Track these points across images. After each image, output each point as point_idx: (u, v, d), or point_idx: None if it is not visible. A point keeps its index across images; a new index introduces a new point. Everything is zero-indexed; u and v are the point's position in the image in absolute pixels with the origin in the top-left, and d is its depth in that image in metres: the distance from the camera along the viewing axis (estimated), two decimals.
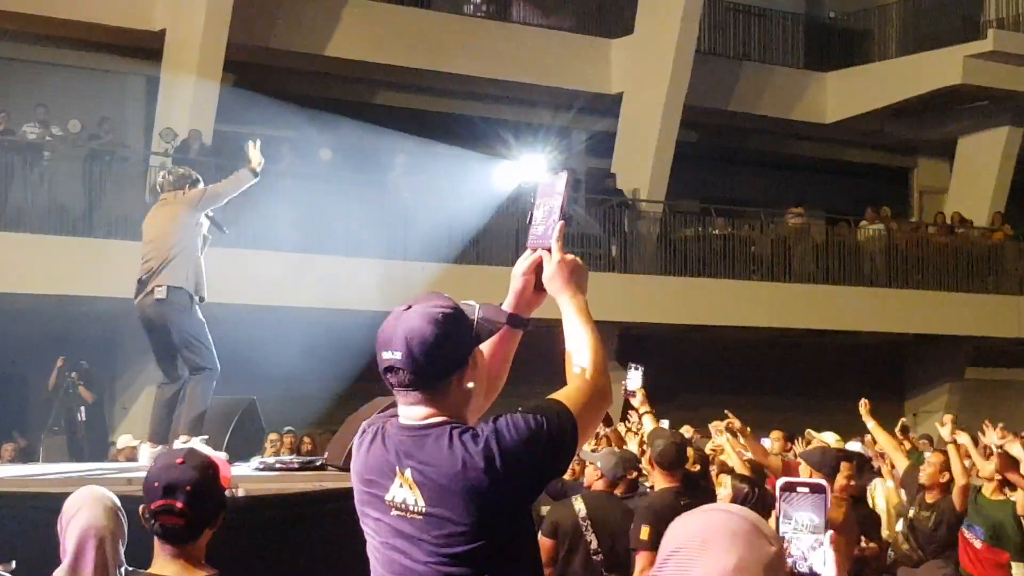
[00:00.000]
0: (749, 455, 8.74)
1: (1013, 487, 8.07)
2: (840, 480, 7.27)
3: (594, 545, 6.91)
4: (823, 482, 2.63)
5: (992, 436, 8.06)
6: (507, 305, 3.10)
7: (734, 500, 6.72)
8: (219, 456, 7.15)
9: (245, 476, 6.60)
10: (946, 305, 21.31)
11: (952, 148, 24.28)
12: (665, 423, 8.70)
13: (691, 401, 17.03)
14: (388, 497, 2.86)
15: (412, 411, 2.89)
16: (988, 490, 8.21)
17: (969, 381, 22.59)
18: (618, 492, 7.40)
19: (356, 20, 19.04)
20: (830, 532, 2.58)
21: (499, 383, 3.15)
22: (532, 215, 3.12)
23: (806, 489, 2.62)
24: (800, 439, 11.80)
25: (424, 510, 2.80)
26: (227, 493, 3.66)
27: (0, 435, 14.65)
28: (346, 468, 3.11)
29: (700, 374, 20.20)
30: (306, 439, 14.38)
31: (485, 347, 3.01)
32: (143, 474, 3.61)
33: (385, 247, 16.80)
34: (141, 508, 3.50)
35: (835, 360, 22.14)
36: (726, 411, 9.09)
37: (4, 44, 17.69)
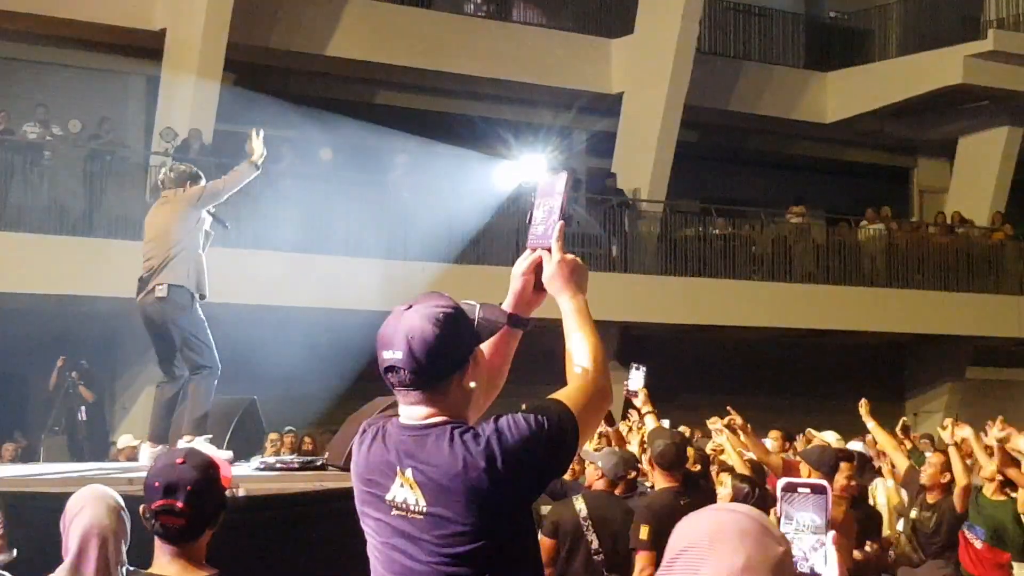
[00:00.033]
0: (750, 454, 8.74)
1: (1014, 487, 8.07)
2: (841, 480, 7.28)
3: (595, 545, 6.91)
4: (824, 482, 2.63)
5: (994, 432, 8.07)
6: (507, 305, 3.10)
7: (734, 499, 6.72)
8: (224, 455, 7.18)
9: (245, 476, 6.60)
10: (946, 305, 21.31)
11: (952, 148, 24.28)
12: (666, 423, 8.70)
13: (691, 401, 17.02)
14: (389, 497, 2.86)
15: (413, 411, 2.89)
16: (989, 490, 8.21)
17: (969, 381, 22.60)
18: (617, 492, 7.40)
19: (356, 20, 19.04)
20: (832, 532, 2.58)
21: (499, 383, 3.15)
22: (532, 215, 3.12)
23: (807, 489, 2.62)
24: (799, 439, 11.81)
25: (425, 510, 2.80)
26: (227, 493, 3.66)
27: (1, 435, 14.66)
28: (346, 468, 3.11)
29: (700, 374, 20.20)
30: (307, 439, 14.39)
31: (485, 347, 3.01)
32: (144, 474, 3.61)
33: (385, 247, 16.80)
34: (141, 508, 3.50)
35: (835, 360, 22.14)
36: (728, 408, 9.09)
37: (4, 44, 17.69)
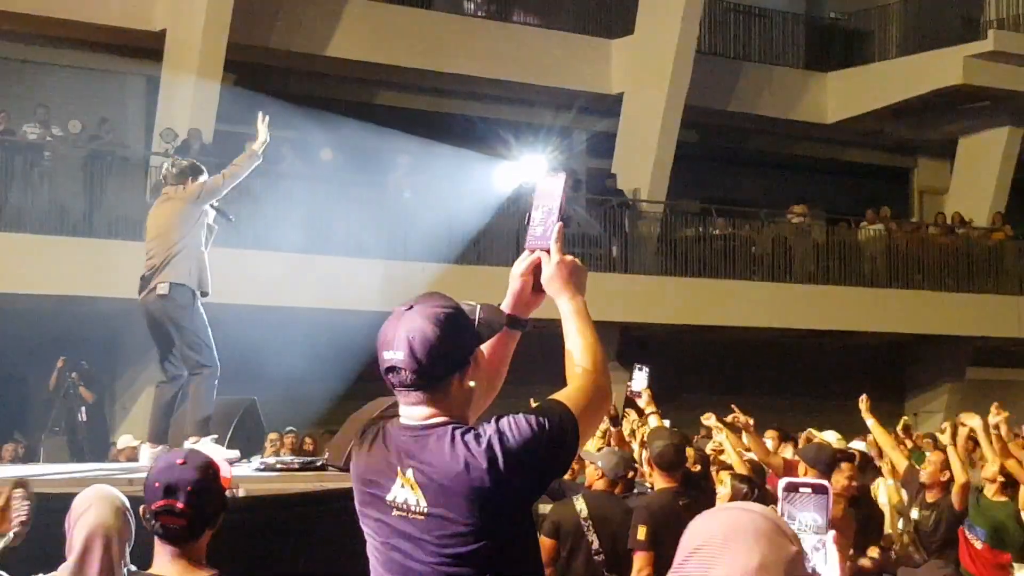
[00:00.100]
0: (750, 454, 8.74)
1: (1015, 488, 8.07)
2: (841, 480, 7.28)
3: (596, 545, 6.90)
4: (825, 482, 2.63)
5: (991, 419, 8.11)
6: (505, 306, 3.10)
7: (733, 499, 6.73)
8: (231, 455, 7.18)
9: (246, 476, 6.60)
10: (946, 305, 21.31)
11: (952, 148, 24.29)
12: (665, 423, 8.69)
13: (691, 401, 17.00)
14: (389, 497, 2.86)
15: (413, 411, 2.89)
16: (990, 491, 8.21)
17: (969, 381, 22.59)
18: (616, 491, 7.40)
19: (357, 20, 19.05)
20: (832, 532, 2.58)
21: (497, 383, 3.15)
22: (530, 216, 3.12)
23: (808, 489, 2.63)
24: (801, 437, 11.80)
25: (426, 510, 2.80)
26: (227, 493, 3.66)
27: (1, 435, 14.66)
28: (347, 468, 3.11)
29: (700, 374, 20.20)
30: (307, 439, 14.40)
31: (484, 347, 3.01)
32: (144, 474, 3.61)
33: (386, 247, 16.81)
34: (142, 508, 3.51)
35: (835, 360, 22.14)
36: (733, 407, 9.09)
37: (4, 44, 17.69)
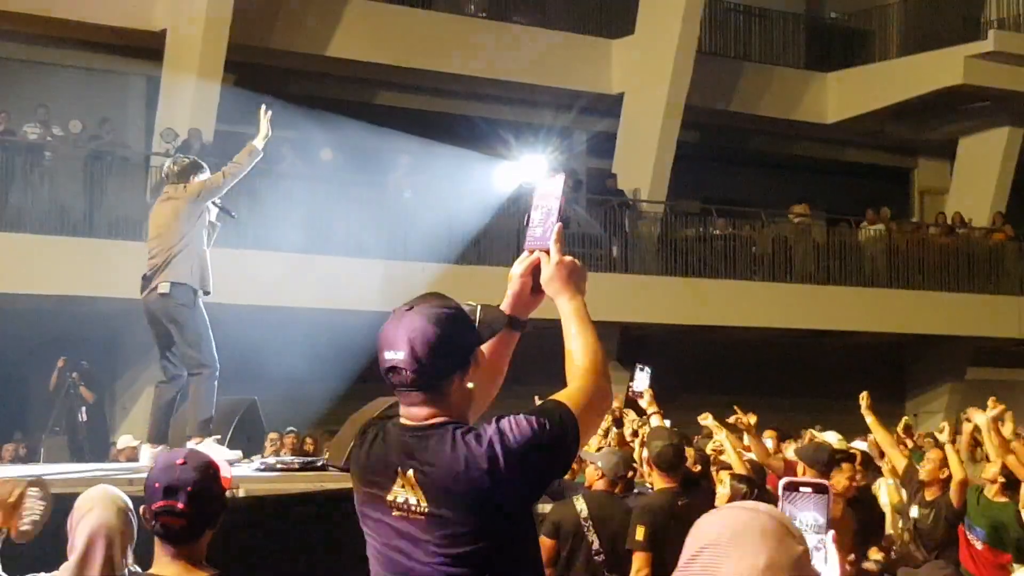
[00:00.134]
0: (750, 455, 8.74)
1: (1016, 488, 8.07)
2: (843, 480, 7.28)
3: (596, 545, 6.90)
4: (826, 482, 2.64)
5: (989, 413, 8.13)
6: (505, 306, 3.10)
7: (732, 499, 6.73)
8: (233, 455, 7.18)
9: (246, 477, 6.60)
10: (947, 305, 21.31)
11: (953, 148, 24.29)
12: (666, 423, 8.68)
13: (692, 401, 16.98)
14: (389, 498, 2.86)
15: (414, 411, 2.89)
16: (991, 492, 8.21)
17: (970, 381, 22.58)
18: (616, 491, 7.40)
19: (357, 21, 19.05)
20: (832, 532, 2.58)
21: (497, 384, 3.15)
22: (529, 217, 3.12)
23: (809, 489, 2.63)
24: (805, 435, 11.80)
25: (426, 510, 2.80)
26: (228, 494, 3.66)
27: (1, 435, 14.67)
28: (347, 469, 3.11)
29: (701, 374, 20.18)
30: (308, 439, 14.40)
31: (484, 348, 3.01)
32: (144, 475, 3.61)
33: (386, 247, 16.81)
34: (142, 509, 3.50)
35: (835, 360, 22.12)
36: (736, 408, 9.09)
37: (4, 44, 17.69)
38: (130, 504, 3.91)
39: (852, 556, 7.45)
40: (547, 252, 3.04)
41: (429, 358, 2.82)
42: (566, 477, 8.56)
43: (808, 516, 2.51)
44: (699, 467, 8.24)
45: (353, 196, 17.19)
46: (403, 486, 2.84)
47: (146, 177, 16.94)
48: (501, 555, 2.82)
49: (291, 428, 14.49)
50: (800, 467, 7.32)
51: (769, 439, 10.89)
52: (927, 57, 22.23)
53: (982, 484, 8.33)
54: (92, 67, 18.40)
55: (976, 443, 9.23)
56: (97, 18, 17.40)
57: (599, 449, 8.45)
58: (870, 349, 22.41)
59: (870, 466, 9.69)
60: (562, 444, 2.84)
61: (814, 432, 11.43)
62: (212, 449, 6.87)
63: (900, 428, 10.73)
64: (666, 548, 6.57)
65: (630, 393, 8.32)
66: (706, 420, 9.17)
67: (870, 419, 8.67)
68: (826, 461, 7.25)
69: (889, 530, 8.84)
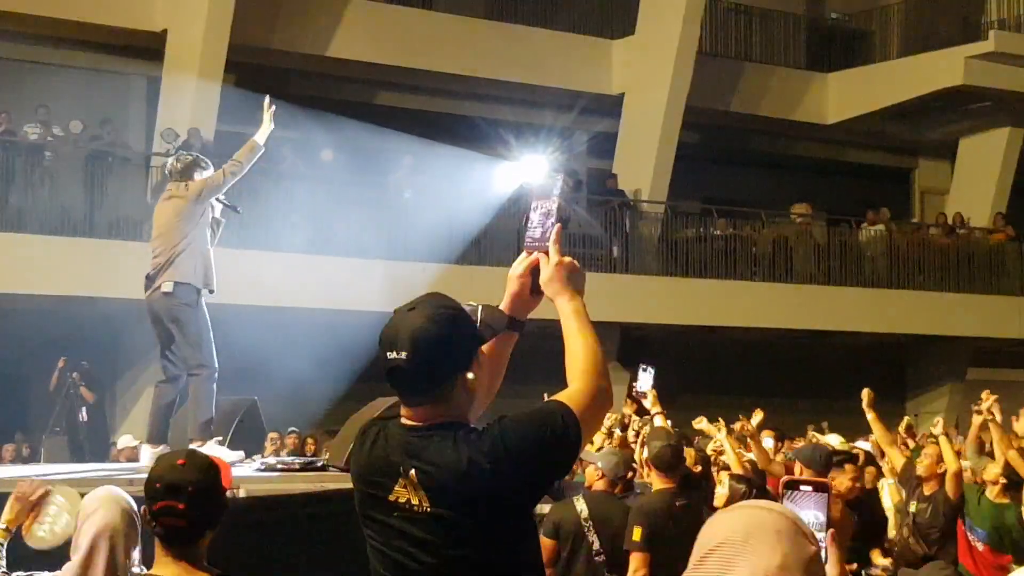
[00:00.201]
0: (750, 456, 8.75)
1: (1017, 489, 8.08)
2: (845, 481, 7.28)
3: (596, 546, 6.91)
4: (826, 481, 2.64)
5: (985, 406, 8.18)
6: (504, 307, 3.11)
7: (731, 499, 6.74)
8: (235, 456, 7.19)
9: (246, 477, 6.61)
10: (947, 306, 21.31)
11: (953, 149, 24.29)
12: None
13: (692, 402, 17.00)
14: (391, 498, 2.86)
15: (416, 412, 2.89)
16: (992, 493, 8.21)
17: (970, 382, 22.56)
18: (615, 492, 7.40)
19: (357, 21, 19.04)
20: (831, 531, 2.59)
21: (497, 384, 3.16)
22: (528, 218, 3.12)
23: (809, 487, 2.63)
24: (809, 434, 11.80)
25: (428, 511, 2.80)
26: (228, 494, 3.66)
27: (2, 436, 14.67)
28: (347, 469, 3.11)
29: (701, 375, 20.19)
30: (309, 440, 14.41)
31: (484, 348, 3.01)
32: (145, 475, 3.61)
33: (386, 247, 16.81)
34: (143, 509, 3.51)
35: (836, 361, 22.12)
36: (741, 416, 9.10)
37: (5, 44, 17.69)
38: (134, 506, 3.92)
39: (855, 565, 7.46)
40: (546, 253, 3.04)
41: (431, 358, 2.83)
42: (565, 477, 8.57)
43: (808, 515, 2.51)
44: (699, 467, 8.25)
45: (353, 196, 17.19)
46: (405, 486, 2.84)
47: (147, 177, 16.95)
48: (503, 555, 2.82)
49: (293, 428, 14.51)
50: (797, 467, 7.32)
51: (769, 438, 10.91)
52: (927, 57, 22.23)
53: (983, 485, 8.33)
54: (93, 67, 18.40)
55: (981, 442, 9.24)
56: (98, 18, 17.40)
57: (599, 449, 8.46)
58: (870, 349, 22.41)
59: (873, 466, 9.68)
60: (564, 444, 2.84)
61: (816, 435, 11.43)
62: (214, 451, 6.87)
63: (902, 428, 10.72)
64: (663, 548, 6.58)
65: (634, 393, 8.33)
66: (700, 424, 9.18)
67: (870, 416, 8.68)
68: (824, 462, 7.25)
69: (892, 532, 8.82)
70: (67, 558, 3.93)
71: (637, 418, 9.98)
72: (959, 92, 22.01)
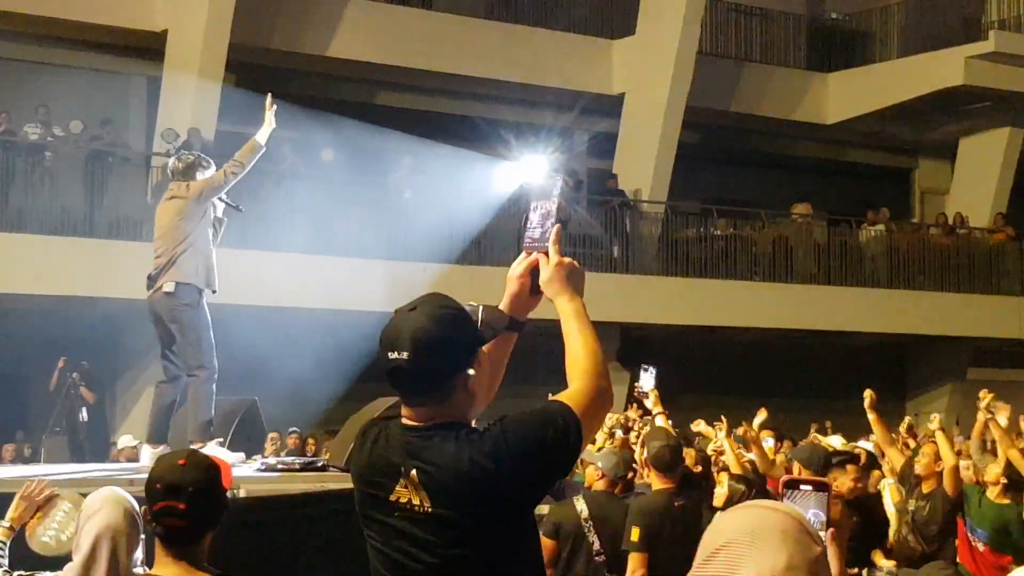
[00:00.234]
0: (751, 456, 8.74)
1: (1018, 490, 8.08)
2: (847, 482, 7.28)
3: (596, 546, 6.91)
4: (826, 480, 2.64)
5: (983, 404, 8.20)
6: (503, 307, 3.11)
7: (730, 499, 6.74)
8: (235, 459, 7.19)
9: (247, 477, 6.61)
10: (947, 306, 21.32)
11: (953, 149, 24.28)
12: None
13: (692, 402, 17.01)
14: (392, 498, 2.86)
15: (417, 412, 2.89)
16: (993, 493, 8.21)
17: (970, 382, 22.57)
18: (616, 492, 7.40)
19: (357, 21, 19.04)
20: (831, 530, 2.59)
21: (496, 383, 3.16)
22: (528, 218, 3.12)
23: (809, 487, 2.63)
24: (792, 440, 11.80)
25: (429, 511, 2.80)
26: (228, 494, 3.66)
27: (2, 436, 14.67)
28: (348, 469, 3.11)
29: (701, 375, 20.19)
30: (310, 440, 14.42)
31: (484, 348, 3.01)
32: (145, 475, 3.61)
33: (386, 248, 16.81)
34: (143, 509, 3.50)
35: (836, 361, 22.12)
36: (744, 422, 9.10)
37: (5, 44, 17.69)
38: (137, 506, 3.92)
39: (857, 570, 7.45)
40: (546, 253, 3.04)
41: (432, 359, 2.83)
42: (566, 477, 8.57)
43: (808, 514, 2.51)
44: (700, 468, 8.25)
45: (354, 196, 17.19)
46: (406, 487, 2.83)
47: (147, 177, 16.95)
48: (504, 555, 2.82)
49: (294, 428, 14.51)
50: (796, 467, 7.32)
51: (769, 438, 10.91)
52: (928, 58, 22.23)
53: (984, 485, 8.32)
54: (93, 67, 18.39)
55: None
56: (98, 18, 17.39)
57: (599, 449, 8.45)
58: (870, 349, 22.41)
59: (875, 467, 9.68)
60: (565, 444, 2.84)
61: (818, 435, 11.42)
62: (214, 453, 6.87)
63: (903, 428, 10.72)
64: (661, 548, 6.58)
65: (636, 393, 8.33)
66: (698, 427, 9.17)
67: (871, 416, 8.68)
68: (822, 463, 7.24)
69: (895, 533, 8.82)
70: (69, 558, 3.93)
71: (640, 421, 9.98)
72: (959, 92, 22.01)
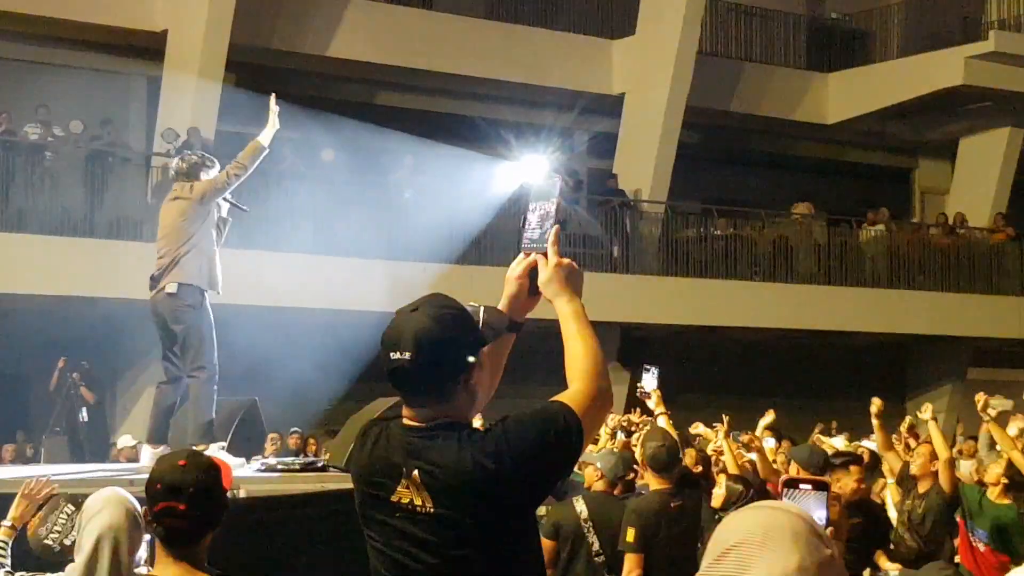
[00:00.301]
0: (751, 456, 8.73)
1: (1019, 490, 8.08)
2: (850, 483, 7.27)
3: (596, 546, 6.91)
4: (826, 479, 2.65)
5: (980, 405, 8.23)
6: (501, 308, 3.11)
7: (728, 500, 6.74)
8: (235, 463, 7.18)
9: (247, 477, 6.61)
10: (947, 306, 21.31)
11: (954, 149, 24.28)
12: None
13: (693, 402, 17.03)
14: (393, 499, 2.86)
15: (419, 412, 2.89)
16: (993, 493, 8.20)
17: (970, 382, 22.58)
18: (616, 492, 7.40)
19: (358, 21, 19.05)
20: (830, 529, 2.59)
21: (495, 383, 3.16)
22: (526, 219, 3.12)
23: (809, 486, 2.64)
24: (814, 435, 11.80)
25: (432, 511, 2.80)
26: (228, 494, 3.66)
27: (3, 436, 14.67)
28: (348, 469, 3.11)
29: (701, 375, 20.20)
30: (310, 440, 14.42)
31: (484, 349, 3.01)
32: (146, 475, 3.61)
33: (386, 248, 16.81)
34: (144, 510, 3.50)
35: (836, 361, 22.13)
36: (746, 433, 9.09)
37: (5, 44, 17.69)
38: (138, 507, 3.92)
39: (860, 572, 7.44)
40: (544, 254, 3.04)
41: (435, 359, 2.83)
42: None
43: None
44: (700, 468, 8.25)
45: (354, 196, 17.19)
46: (408, 487, 2.83)
47: (147, 177, 16.95)
48: (505, 555, 2.83)
49: (295, 428, 14.51)
50: (793, 467, 7.31)
51: (769, 438, 10.91)
52: (928, 57, 22.23)
53: (985, 486, 8.32)
54: (93, 67, 18.39)
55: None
56: (98, 18, 17.40)
57: (600, 450, 8.46)
58: (870, 349, 22.42)
59: (876, 468, 9.68)
60: (567, 444, 2.85)
61: (821, 436, 11.42)
62: (216, 456, 6.87)
63: (904, 428, 10.72)
64: (658, 549, 6.59)
65: (639, 393, 8.33)
66: (696, 429, 9.17)
67: (875, 423, 8.68)
68: (820, 464, 7.24)
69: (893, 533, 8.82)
70: (71, 560, 3.93)
71: (641, 423, 9.97)
72: (959, 92, 22.01)
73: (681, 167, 20.68)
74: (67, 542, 4.38)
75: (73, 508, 4.49)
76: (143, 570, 3.80)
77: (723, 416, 8.74)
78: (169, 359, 7.67)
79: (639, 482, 7.96)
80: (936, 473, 8.05)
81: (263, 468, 7.16)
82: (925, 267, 21.75)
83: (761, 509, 2.09)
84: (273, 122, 7.73)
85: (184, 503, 3.36)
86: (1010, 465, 8.08)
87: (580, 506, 7.03)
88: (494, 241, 17.76)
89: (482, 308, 2.99)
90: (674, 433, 7.67)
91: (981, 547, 8.05)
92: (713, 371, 20.79)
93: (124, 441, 13.80)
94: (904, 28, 23.54)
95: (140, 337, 14.12)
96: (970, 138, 23.85)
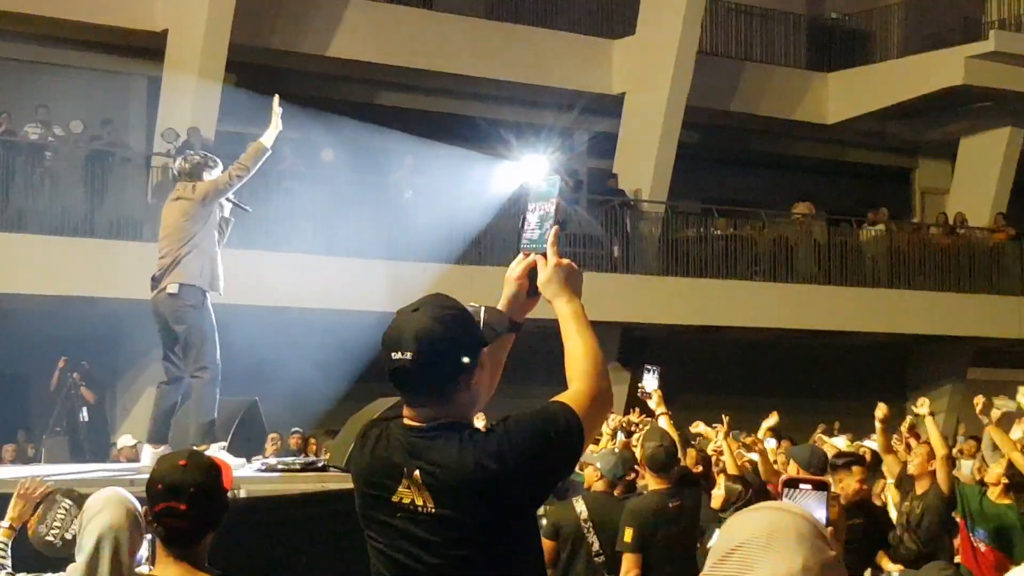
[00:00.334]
0: (752, 456, 8.74)
1: (1019, 490, 8.07)
2: (853, 483, 7.26)
3: (596, 547, 6.91)
4: (826, 479, 2.65)
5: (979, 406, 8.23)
6: (500, 308, 3.11)
7: (727, 500, 6.74)
8: (235, 463, 7.18)
9: (247, 477, 6.61)
10: (948, 306, 21.32)
11: (954, 149, 24.28)
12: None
13: (693, 402, 17.02)
14: (394, 499, 2.86)
15: (419, 412, 2.89)
16: (994, 494, 8.20)
17: (970, 382, 22.58)
18: (616, 493, 7.40)
19: (358, 21, 19.05)
20: (830, 529, 2.60)
21: (494, 383, 3.16)
22: (525, 219, 3.12)
23: (809, 486, 2.64)
24: (788, 439, 11.79)
25: (433, 511, 2.81)
26: (229, 495, 3.66)
27: (3, 436, 14.67)
28: (348, 470, 3.11)
29: (702, 375, 20.20)
30: (311, 440, 14.43)
31: (484, 349, 3.01)
32: (146, 475, 3.61)
33: (387, 248, 16.81)
34: (144, 510, 3.50)
35: (836, 361, 22.13)
36: (750, 432, 9.09)
37: (5, 44, 17.69)
38: (139, 507, 3.92)
39: (862, 573, 7.43)
40: (543, 255, 3.04)
41: (436, 359, 2.83)
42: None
43: None
44: (700, 468, 8.25)
45: (354, 196, 17.19)
46: (409, 487, 2.84)
47: (147, 177, 16.96)
48: (506, 555, 2.83)
49: (296, 428, 14.51)
50: (793, 467, 7.31)
51: (770, 439, 10.91)
52: (928, 57, 22.23)
53: (985, 486, 8.32)
54: (93, 67, 18.39)
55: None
56: (98, 18, 17.40)
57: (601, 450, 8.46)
58: (870, 349, 22.42)
59: (877, 468, 9.68)
60: (568, 445, 2.85)
61: (823, 436, 11.41)
62: (217, 456, 6.87)
63: (904, 428, 10.71)
64: (656, 549, 6.59)
65: (640, 394, 8.33)
66: (697, 428, 9.16)
67: (878, 427, 8.68)
68: (820, 465, 7.23)
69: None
70: (72, 559, 3.94)
71: (641, 424, 9.98)
72: (959, 92, 22.01)
73: (681, 167, 20.68)
74: (68, 536, 4.39)
75: (70, 502, 4.49)
76: (144, 570, 3.81)
77: (723, 416, 8.75)
78: (170, 359, 7.66)
79: (640, 482, 7.97)
80: (934, 473, 8.04)
81: (264, 468, 7.16)
82: (925, 267, 21.75)
83: (765, 510, 2.10)
84: (276, 123, 7.72)
85: (185, 503, 3.36)
86: (1010, 465, 8.07)
87: (580, 506, 7.04)
88: (494, 241, 17.76)
89: (482, 308, 2.99)
90: (674, 433, 7.67)
91: (982, 547, 8.05)
92: (713, 371, 20.79)
93: (124, 441, 13.81)
94: (904, 28, 23.54)
95: (140, 337, 14.13)
96: (970, 138, 23.85)
